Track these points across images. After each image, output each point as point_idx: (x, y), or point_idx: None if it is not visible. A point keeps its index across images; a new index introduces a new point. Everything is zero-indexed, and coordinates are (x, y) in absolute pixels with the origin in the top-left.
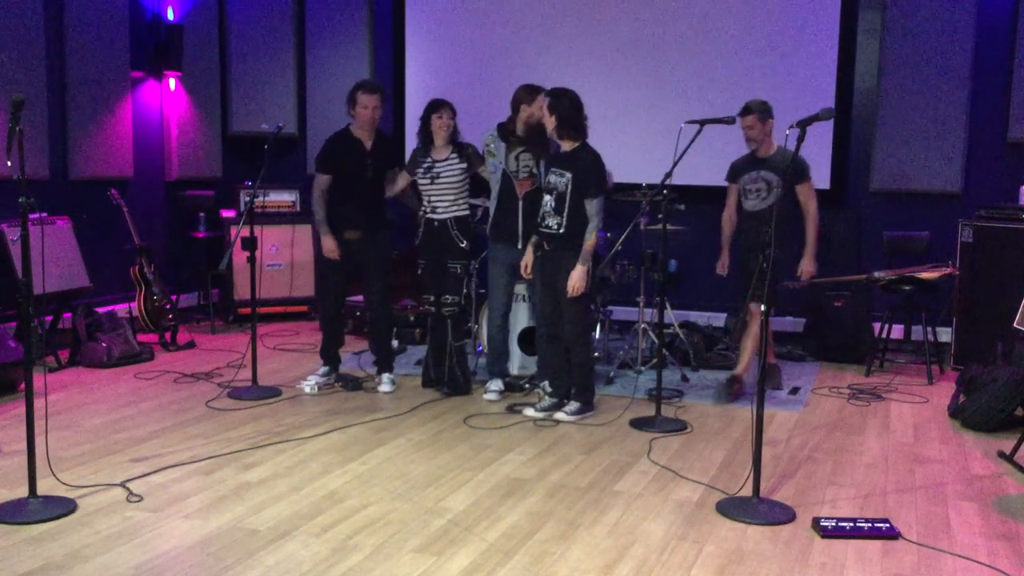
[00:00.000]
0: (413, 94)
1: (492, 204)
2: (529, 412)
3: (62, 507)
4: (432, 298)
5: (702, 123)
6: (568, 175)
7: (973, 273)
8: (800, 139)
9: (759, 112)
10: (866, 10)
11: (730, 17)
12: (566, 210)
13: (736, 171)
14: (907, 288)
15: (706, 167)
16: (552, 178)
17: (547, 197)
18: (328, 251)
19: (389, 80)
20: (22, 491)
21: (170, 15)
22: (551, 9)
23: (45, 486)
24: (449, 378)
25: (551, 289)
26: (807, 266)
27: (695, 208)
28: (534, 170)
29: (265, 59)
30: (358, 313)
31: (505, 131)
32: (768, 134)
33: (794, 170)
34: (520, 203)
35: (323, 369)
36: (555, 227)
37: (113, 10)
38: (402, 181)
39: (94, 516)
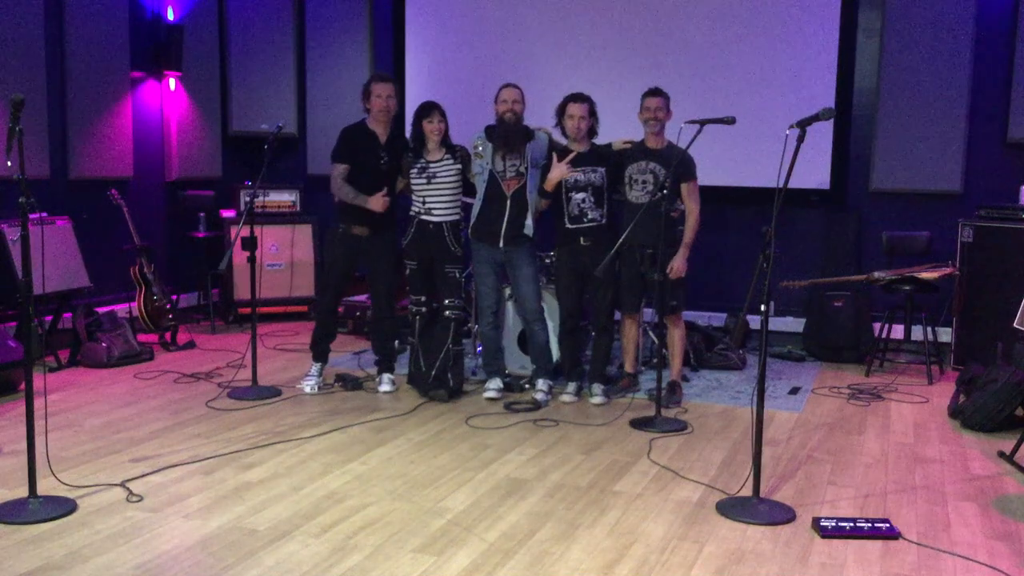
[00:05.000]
0: (413, 94)
1: (477, 204)
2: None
3: (62, 507)
4: (423, 299)
5: (702, 123)
6: (601, 170)
7: (973, 273)
8: (800, 139)
9: (667, 98)
10: (866, 10)
11: (730, 17)
12: (605, 203)
13: (624, 158)
14: (907, 288)
15: (706, 167)
16: (579, 176)
17: (580, 195)
18: (378, 205)
19: None
20: (22, 491)
21: (170, 15)
22: (551, 9)
23: (45, 486)
24: (439, 381)
25: (580, 283)
26: (678, 263)
27: None
28: (521, 169)
29: (265, 59)
30: (358, 313)
31: (492, 132)
32: (664, 125)
33: (683, 166)
34: (508, 202)
35: (315, 368)
36: (599, 218)
37: (113, 10)
38: (400, 183)
39: (94, 516)
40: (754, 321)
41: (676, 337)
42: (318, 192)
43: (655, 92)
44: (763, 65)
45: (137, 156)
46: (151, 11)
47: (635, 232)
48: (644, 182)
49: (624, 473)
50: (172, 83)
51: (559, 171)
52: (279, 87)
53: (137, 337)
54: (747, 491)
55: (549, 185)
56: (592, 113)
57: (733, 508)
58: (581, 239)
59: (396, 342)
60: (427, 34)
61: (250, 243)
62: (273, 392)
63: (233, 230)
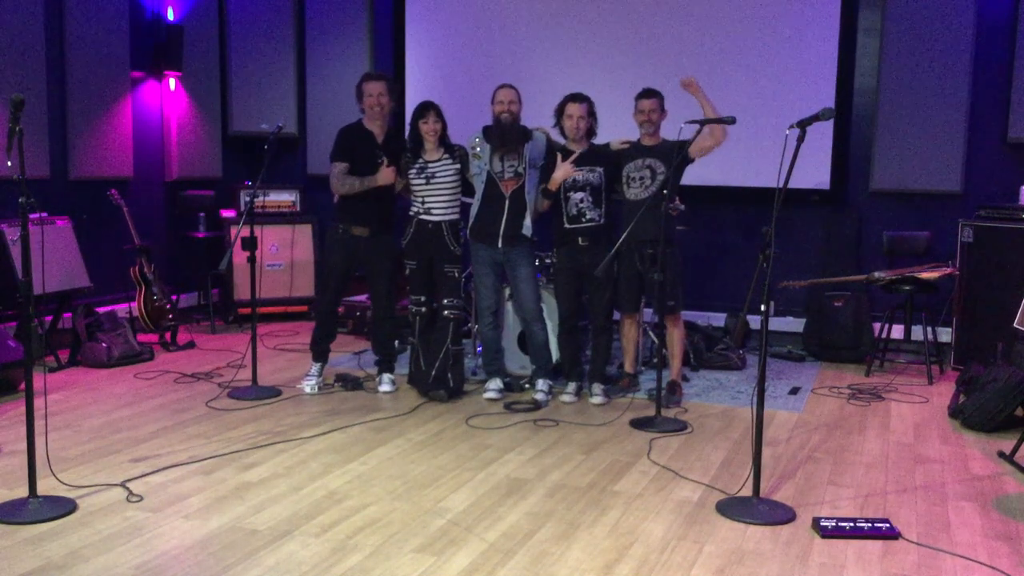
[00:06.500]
0: (413, 94)
1: (475, 205)
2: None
3: (62, 507)
4: (423, 299)
5: (702, 123)
6: (599, 170)
7: (973, 273)
8: (800, 139)
9: (661, 98)
10: (866, 10)
11: (730, 17)
12: (603, 202)
13: (622, 158)
14: (907, 288)
15: (706, 167)
16: (578, 177)
17: (579, 194)
18: (387, 177)
19: None
20: (22, 491)
21: (170, 15)
22: (551, 9)
23: (45, 486)
24: (439, 381)
25: (578, 283)
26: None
27: (695, 208)
28: (519, 169)
29: (265, 59)
30: (358, 313)
31: (490, 133)
32: (660, 125)
33: (681, 142)
34: (506, 203)
35: (315, 368)
36: (597, 219)
37: (113, 10)
38: (399, 184)
39: (94, 516)
40: (754, 321)
41: (676, 337)
42: (318, 192)
43: (649, 93)
44: (763, 65)
45: (137, 156)
46: (151, 11)
47: (634, 229)
48: (641, 178)
49: (624, 473)
50: (172, 83)
51: (563, 171)
52: (279, 87)
53: (137, 337)
54: (747, 491)
55: (553, 185)
56: (591, 113)
57: (733, 508)
58: (579, 239)
59: (396, 342)
60: (427, 34)
61: (250, 243)
62: (273, 392)
63: (233, 230)
